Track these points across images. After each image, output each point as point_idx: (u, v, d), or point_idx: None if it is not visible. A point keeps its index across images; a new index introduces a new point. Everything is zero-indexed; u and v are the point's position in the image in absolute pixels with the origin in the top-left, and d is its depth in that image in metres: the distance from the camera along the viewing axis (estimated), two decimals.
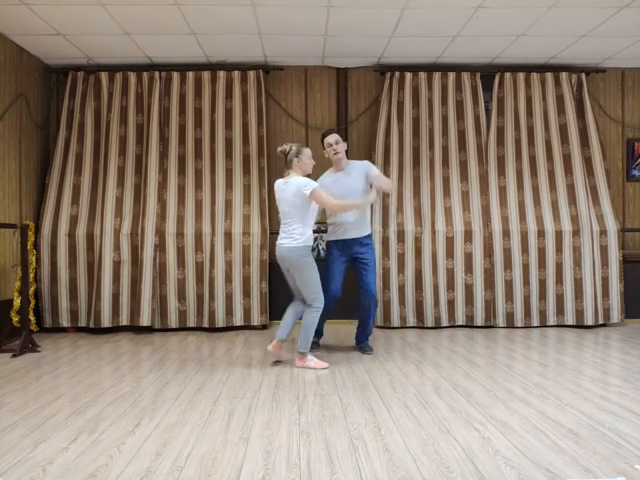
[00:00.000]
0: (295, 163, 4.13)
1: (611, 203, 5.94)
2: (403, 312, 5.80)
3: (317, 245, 6.24)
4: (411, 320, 5.80)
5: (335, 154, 4.44)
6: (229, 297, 5.68)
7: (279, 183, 4.21)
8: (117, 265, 5.65)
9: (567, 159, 5.98)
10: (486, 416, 2.92)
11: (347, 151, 4.61)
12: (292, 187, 4.03)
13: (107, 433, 2.71)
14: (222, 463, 2.35)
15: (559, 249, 5.83)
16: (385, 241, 5.84)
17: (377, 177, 4.39)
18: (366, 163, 4.56)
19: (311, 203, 4.06)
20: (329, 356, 4.46)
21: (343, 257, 4.47)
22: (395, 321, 5.79)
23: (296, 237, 4.04)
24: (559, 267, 5.83)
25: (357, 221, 4.40)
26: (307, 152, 4.17)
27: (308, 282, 4.10)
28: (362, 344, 4.67)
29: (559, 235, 5.83)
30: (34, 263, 5.10)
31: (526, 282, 5.82)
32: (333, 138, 4.45)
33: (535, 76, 6.07)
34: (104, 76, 5.90)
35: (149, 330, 5.63)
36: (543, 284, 5.82)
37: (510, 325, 5.79)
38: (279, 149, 4.21)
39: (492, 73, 6.09)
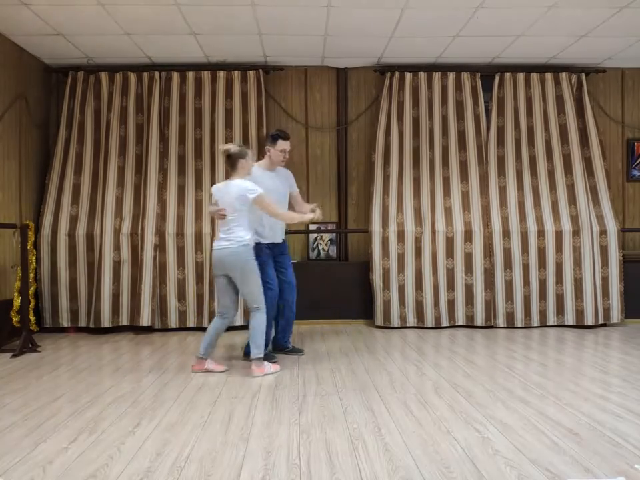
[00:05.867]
0: (240, 164, 3.91)
1: (610, 203, 5.94)
2: (403, 312, 5.79)
3: (317, 245, 6.24)
4: (411, 320, 5.80)
5: (283, 159, 4.32)
6: None
7: (216, 187, 4.06)
8: (116, 265, 5.64)
9: (566, 159, 5.98)
10: (486, 416, 2.92)
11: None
12: (234, 189, 3.84)
13: (107, 433, 2.71)
14: (222, 463, 2.35)
15: (559, 249, 5.83)
16: (385, 241, 5.84)
17: (299, 202, 4.51)
18: (290, 173, 4.52)
19: (253, 208, 3.89)
20: (328, 356, 4.46)
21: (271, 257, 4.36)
22: (395, 321, 5.78)
23: (238, 240, 3.85)
24: (559, 267, 5.82)
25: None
26: (251, 154, 4.04)
27: (252, 286, 3.90)
28: (289, 346, 4.54)
29: (558, 235, 5.83)
30: (34, 263, 5.10)
31: (526, 282, 5.82)
32: (289, 145, 4.34)
33: (534, 76, 6.07)
34: (104, 76, 5.90)
35: (149, 330, 5.62)
36: (543, 284, 5.82)
37: (510, 324, 5.78)
38: (223, 148, 3.98)
39: (492, 73, 6.09)
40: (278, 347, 4.51)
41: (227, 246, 3.85)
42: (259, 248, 4.16)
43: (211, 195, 5.82)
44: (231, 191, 3.85)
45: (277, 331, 4.50)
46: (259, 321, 3.90)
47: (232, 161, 3.92)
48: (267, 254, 4.27)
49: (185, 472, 2.26)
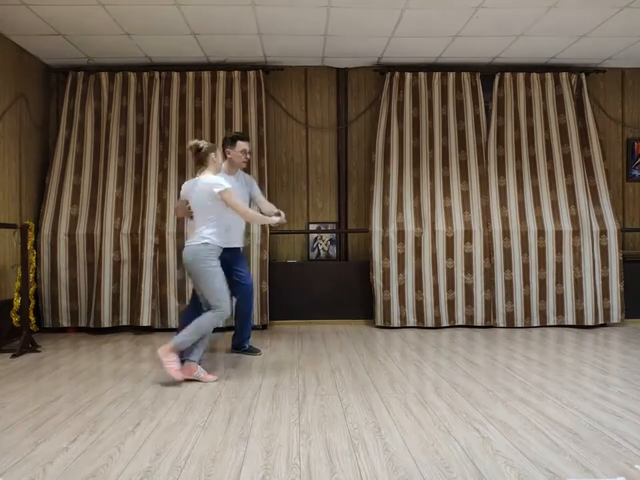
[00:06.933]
0: (211, 158, 3.82)
1: (610, 203, 5.94)
2: (403, 312, 5.79)
3: (317, 245, 6.24)
4: (411, 320, 5.80)
5: (245, 160, 4.35)
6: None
7: (185, 184, 3.99)
8: (116, 265, 5.64)
9: (566, 159, 5.98)
10: (486, 416, 2.92)
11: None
12: (202, 186, 3.73)
13: (107, 433, 2.71)
14: (222, 463, 2.35)
15: (559, 249, 5.83)
16: (385, 241, 5.83)
17: (263, 201, 4.51)
18: (252, 179, 4.60)
19: (221, 204, 3.74)
20: (329, 356, 4.46)
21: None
22: (395, 321, 5.78)
23: (201, 236, 3.74)
24: (559, 267, 5.82)
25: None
26: (219, 150, 4.00)
27: (206, 284, 3.74)
28: (247, 346, 4.54)
29: (558, 235, 5.83)
30: (34, 263, 5.10)
31: (526, 282, 5.81)
32: (249, 145, 4.38)
33: (534, 76, 6.07)
34: (104, 76, 5.90)
35: (149, 330, 5.62)
36: (543, 284, 5.82)
37: (510, 325, 5.78)
38: (191, 143, 3.86)
39: (492, 73, 6.09)
40: (234, 346, 4.60)
41: (189, 243, 3.79)
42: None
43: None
44: (201, 188, 3.75)
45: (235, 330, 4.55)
46: (207, 318, 3.72)
47: (203, 156, 3.81)
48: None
49: (185, 472, 2.26)
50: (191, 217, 3.94)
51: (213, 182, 3.72)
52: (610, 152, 6.32)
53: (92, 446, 2.55)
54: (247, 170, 5.84)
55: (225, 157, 4.29)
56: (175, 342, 3.63)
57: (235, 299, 4.38)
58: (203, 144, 3.85)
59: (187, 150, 5.81)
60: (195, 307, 3.98)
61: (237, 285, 4.33)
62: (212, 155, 3.83)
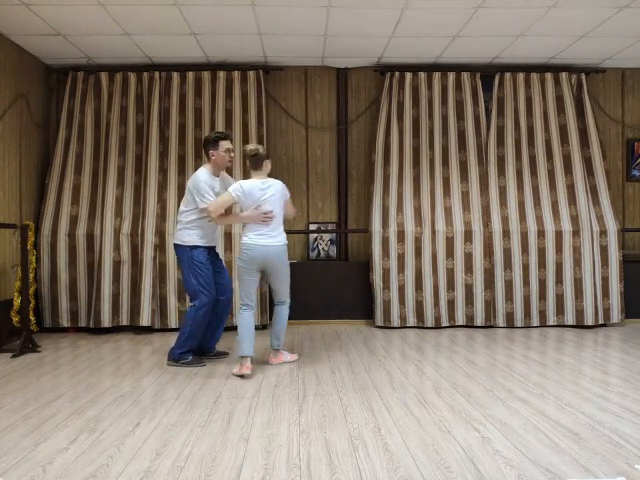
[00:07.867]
0: (265, 164, 4.01)
1: (610, 203, 5.94)
2: (403, 312, 5.79)
3: (317, 245, 6.25)
4: (411, 320, 5.80)
5: (230, 159, 4.24)
6: None
7: (254, 184, 3.95)
8: (116, 265, 5.64)
9: (566, 159, 5.98)
10: (486, 416, 2.92)
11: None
12: (276, 188, 3.98)
13: (107, 433, 2.71)
14: (222, 463, 2.35)
15: (558, 249, 5.83)
16: (385, 241, 5.83)
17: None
18: (231, 178, 4.50)
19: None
20: (328, 356, 4.46)
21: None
22: (395, 321, 5.78)
23: (284, 236, 4.05)
24: (559, 267, 5.82)
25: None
26: None
27: (288, 279, 4.18)
28: (214, 350, 4.39)
29: (558, 235, 5.83)
30: (34, 263, 5.10)
31: (526, 282, 5.81)
32: (231, 144, 4.26)
33: (534, 76, 6.07)
34: (104, 76, 5.90)
35: (149, 330, 5.62)
36: (542, 284, 5.82)
37: (510, 325, 5.78)
38: (251, 147, 4.02)
39: (492, 73, 6.09)
40: (202, 349, 4.31)
41: (275, 243, 3.98)
42: (199, 251, 4.12)
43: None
44: (277, 189, 3.99)
45: (205, 332, 4.26)
46: (287, 312, 4.23)
47: (258, 161, 3.98)
48: (208, 258, 4.18)
49: (185, 472, 2.26)
50: (266, 222, 3.95)
51: (282, 186, 4.07)
52: (610, 152, 6.32)
53: (92, 446, 2.55)
54: (248, 170, 5.86)
55: (208, 158, 4.21)
56: (281, 343, 4.23)
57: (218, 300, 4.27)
58: (262, 150, 4.02)
59: (187, 150, 5.86)
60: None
61: (216, 284, 4.23)
62: (266, 161, 4.04)
